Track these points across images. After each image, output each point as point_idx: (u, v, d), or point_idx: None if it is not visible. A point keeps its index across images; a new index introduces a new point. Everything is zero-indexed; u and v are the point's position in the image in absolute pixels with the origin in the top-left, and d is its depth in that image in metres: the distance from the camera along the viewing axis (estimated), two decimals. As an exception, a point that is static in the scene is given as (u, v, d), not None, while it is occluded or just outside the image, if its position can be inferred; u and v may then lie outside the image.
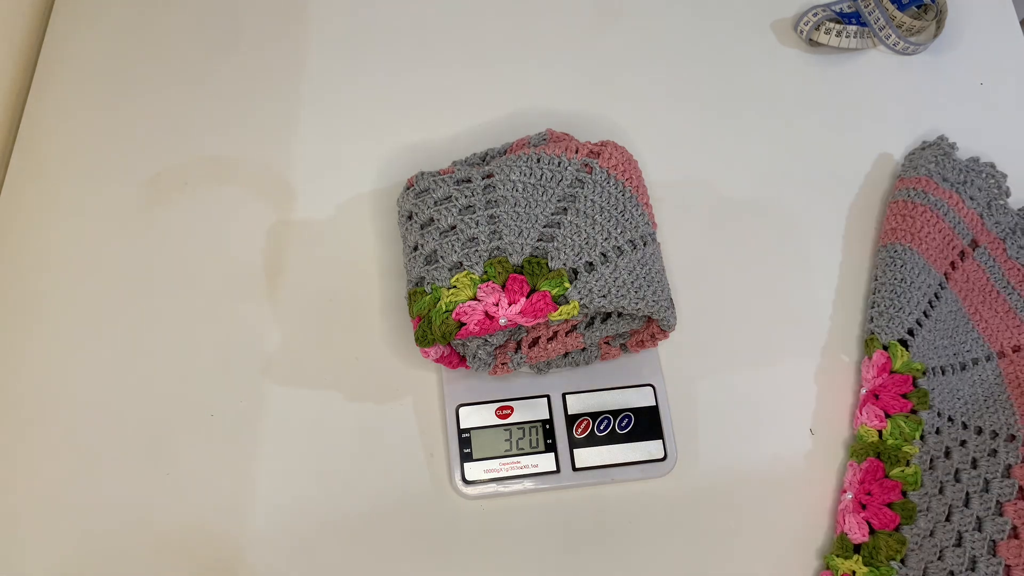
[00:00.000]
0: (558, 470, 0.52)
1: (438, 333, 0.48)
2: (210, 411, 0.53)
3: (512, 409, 0.53)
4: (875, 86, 0.65)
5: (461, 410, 0.53)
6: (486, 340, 0.51)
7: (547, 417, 0.53)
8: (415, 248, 0.51)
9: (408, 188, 0.54)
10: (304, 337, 0.55)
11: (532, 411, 0.53)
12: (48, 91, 0.63)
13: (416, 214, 0.52)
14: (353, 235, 0.58)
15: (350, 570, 0.50)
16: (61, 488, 0.51)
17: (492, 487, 0.51)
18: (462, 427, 0.52)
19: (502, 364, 0.52)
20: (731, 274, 0.58)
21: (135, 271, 0.57)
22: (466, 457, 0.52)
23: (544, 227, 0.50)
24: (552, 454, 0.52)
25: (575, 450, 0.52)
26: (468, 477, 0.51)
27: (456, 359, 0.52)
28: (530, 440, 0.52)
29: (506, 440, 0.52)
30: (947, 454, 0.52)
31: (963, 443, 0.52)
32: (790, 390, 0.55)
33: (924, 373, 0.53)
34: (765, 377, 0.55)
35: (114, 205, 0.59)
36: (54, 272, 0.57)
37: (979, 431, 0.52)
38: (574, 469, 0.52)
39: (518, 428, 0.53)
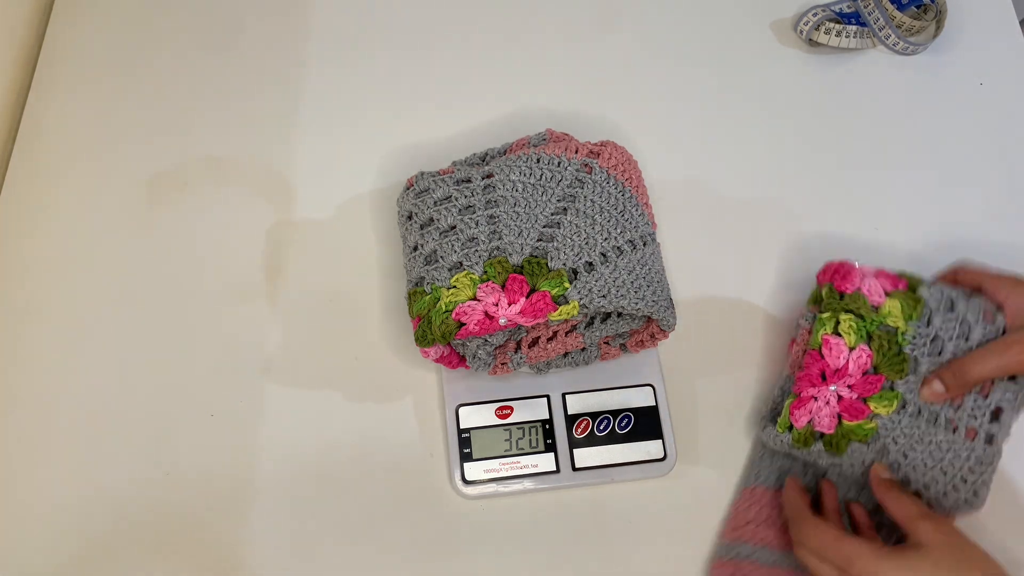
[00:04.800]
0: (558, 470, 0.52)
1: (438, 333, 0.48)
2: (210, 411, 0.53)
3: (512, 409, 0.53)
4: (875, 86, 0.65)
5: (461, 410, 0.53)
6: (486, 340, 0.51)
7: (547, 417, 0.53)
8: (415, 248, 0.51)
9: (408, 188, 0.54)
10: (304, 337, 0.55)
11: (532, 411, 0.53)
12: (48, 90, 0.63)
13: (416, 214, 0.52)
14: (353, 235, 0.58)
15: (350, 570, 0.50)
16: (61, 487, 0.51)
17: (492, 487, 0.51)
18: (462, 427, 0.52)
19: (502, 364, 0.52)
20: (731, 274, 0.58)
21: (135, 271, 0.57)
22: (466, 457, 0.52)
23: (544, 227, 0.50)
24: (552, 454, 0.52)
25: (575, 450, 0.52)
26: (468, 477, 0.51)
27: (456, 359, 0.52)
28: (530, 440, 0.52)
29: (506, 440, 0.52)
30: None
31: None
32: (790, 390, 0.55)
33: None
34: (765, 377, 0.55)
35: (114, 205, 0.59)
36: (54, 272, 0.57)
37: None
38: (574, 469, 0.52)
39: (518, 428, 0.53)
